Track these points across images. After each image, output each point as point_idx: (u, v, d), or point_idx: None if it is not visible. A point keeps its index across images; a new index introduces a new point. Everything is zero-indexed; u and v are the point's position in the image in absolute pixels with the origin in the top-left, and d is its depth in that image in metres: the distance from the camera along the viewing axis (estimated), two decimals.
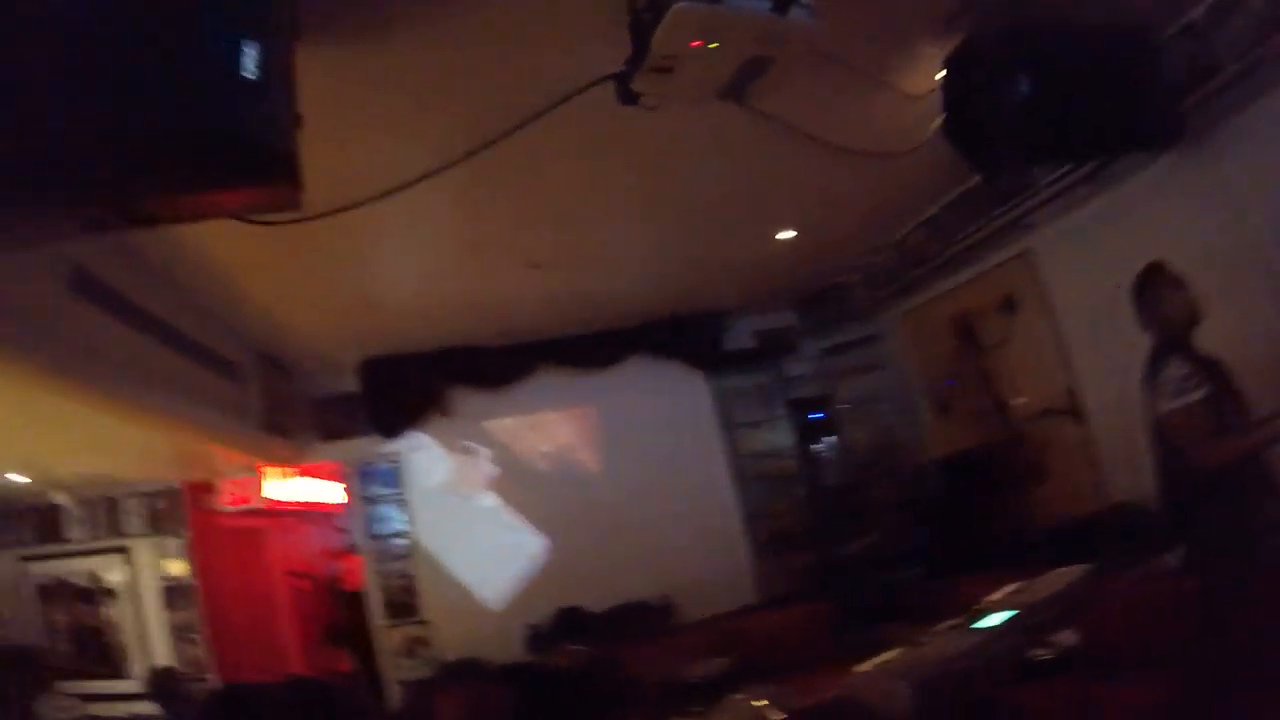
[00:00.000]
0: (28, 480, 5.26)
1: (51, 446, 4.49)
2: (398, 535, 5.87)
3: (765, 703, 3.12)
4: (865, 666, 2.30)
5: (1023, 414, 5.04)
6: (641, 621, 5.60)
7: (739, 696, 3.19)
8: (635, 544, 5.94)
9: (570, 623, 3.60)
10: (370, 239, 3.88)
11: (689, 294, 5.83)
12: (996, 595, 2.57)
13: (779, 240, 4.93)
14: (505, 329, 5.71)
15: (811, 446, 6.38)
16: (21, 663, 5.58)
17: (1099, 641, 3.56)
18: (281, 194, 1.86)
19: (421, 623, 5.73)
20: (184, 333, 4.05)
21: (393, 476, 5.94)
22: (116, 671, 5.75)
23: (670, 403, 6.31)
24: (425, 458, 6.00)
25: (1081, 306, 4.44)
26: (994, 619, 2.36)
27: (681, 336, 6.25)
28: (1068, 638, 3.62)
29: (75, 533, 5.91)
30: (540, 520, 6.01)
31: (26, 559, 5.90)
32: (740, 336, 6.53)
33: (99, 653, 5.79)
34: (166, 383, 3.90)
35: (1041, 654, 3.58)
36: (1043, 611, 2.41)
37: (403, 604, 5.78)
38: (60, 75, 1.54)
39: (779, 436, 6.27)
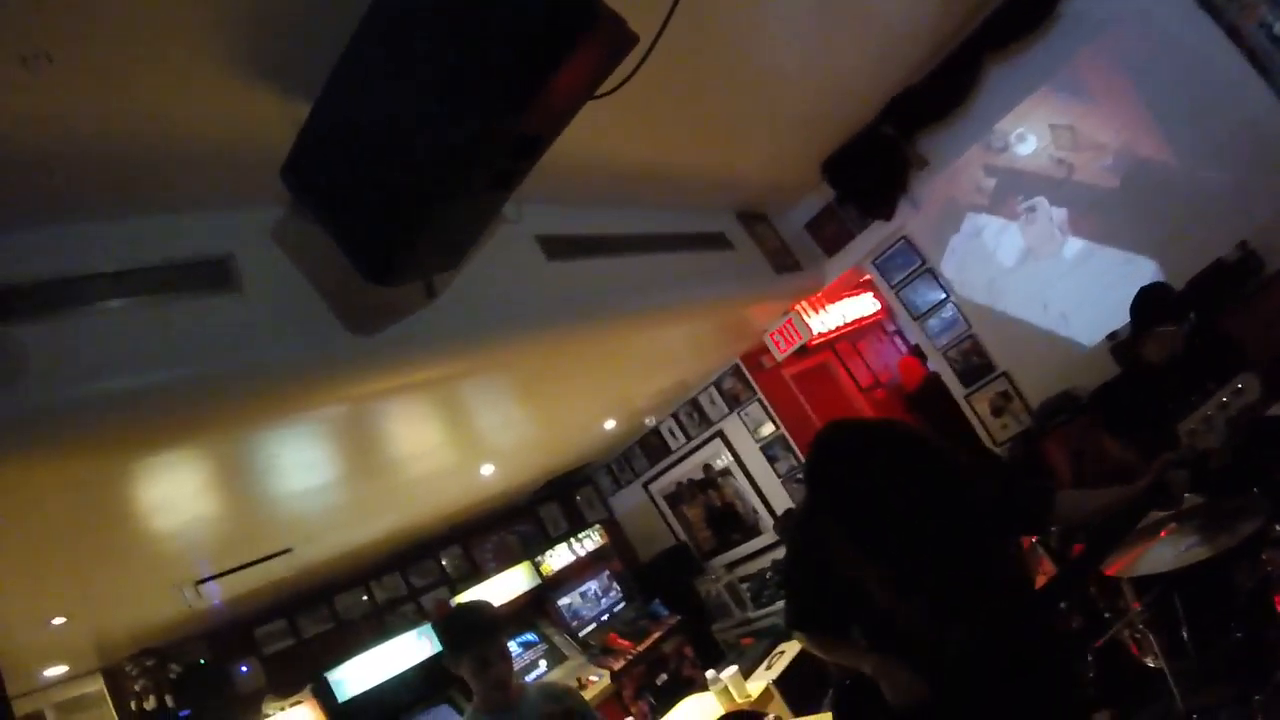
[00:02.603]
0: (617, 422, 6.32)
1: (626, 384, 5.39)
2: (942, 305, 5.78)
3: None
4: None
5: None
6: (1229, 283, 4.53)
7: None
8: (1190, 198, 4.81)
9: (1151, 308, 3.17)
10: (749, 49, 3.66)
11: None
12: None
13: None
14: (927, 49, 5.02)
15: None
16: (678, 556, 7.09)
17: None
18: (611, 33, 1.89)
19: (1001, 377, 5.62)
20: (668, 234, 4.58)
21: (910, 254, 5.86)
22: (750, 532, 6.89)
23: (1143, 18, 4.75)
24: (930, 218, 5.73)
25: None
26: None
27: None
28: None
29: (676, 442, 7.15)
30: (1077, 220, 5.26)
31: (648, 483, 7.37)
32: None
33: (732, 523, 7.00)
34: (682, 280, 4.46)
35: None
36: None
37: (975, 367, 5.72)
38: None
39: None
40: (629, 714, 5.11)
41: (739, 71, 3.76)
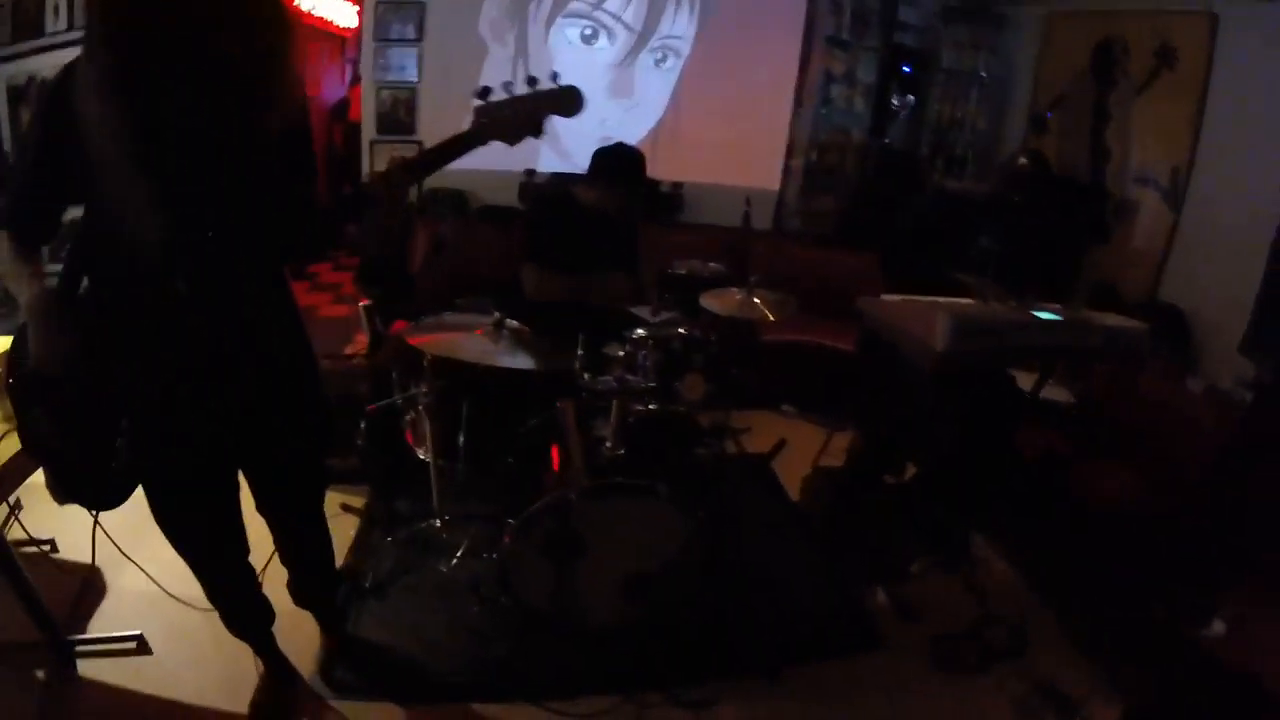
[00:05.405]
0: None
1: None
2: (409, 42, 5.17)
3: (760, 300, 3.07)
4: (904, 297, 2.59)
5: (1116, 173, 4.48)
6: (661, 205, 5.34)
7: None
8: (670, 123, 5.43)
9: (615, 165, 3.10)
10: None
11: None
12: (1051, 304, 2.62)
13: None
14: None
15: (890, 98, 5.50)
16: None
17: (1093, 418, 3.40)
18: None
19: (415, 145, 5.20)
20: None
21: None
22: None
23: None
24: None
25: (1235, 96, 3.82)
26: (1045, 314, 2.51)
27: None
28: (1063, 395, 3.43)
29: (56, 24, 4.99)
30: (573, 67, 5.12)
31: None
32: None
33: None
34: None
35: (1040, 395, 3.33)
36: (1091, 333, 2.50)
37: (398, 122, 5.28)
38: None
39: (860, 69, 5.41)
40: None
41: None
